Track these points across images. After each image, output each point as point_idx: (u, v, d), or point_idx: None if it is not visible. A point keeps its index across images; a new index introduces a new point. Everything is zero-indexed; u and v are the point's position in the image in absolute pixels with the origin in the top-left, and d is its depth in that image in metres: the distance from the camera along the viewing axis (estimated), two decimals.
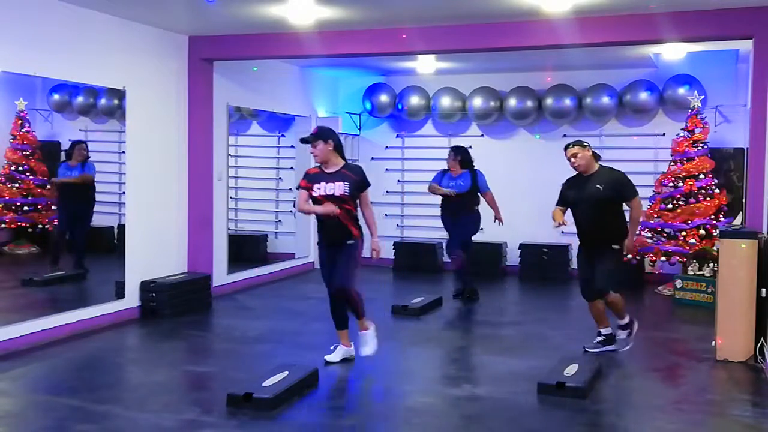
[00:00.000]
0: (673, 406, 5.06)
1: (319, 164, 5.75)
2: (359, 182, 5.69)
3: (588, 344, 6.32)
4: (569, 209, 6.24)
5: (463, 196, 8.25)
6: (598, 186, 6.07)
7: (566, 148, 6.24)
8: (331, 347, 5.93)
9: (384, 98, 10.84)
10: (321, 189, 5.62)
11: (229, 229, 9.13)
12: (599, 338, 6.32)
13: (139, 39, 7.53)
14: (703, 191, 8.65)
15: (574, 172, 6.25)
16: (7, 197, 7.87)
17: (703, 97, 9.17)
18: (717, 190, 8.69)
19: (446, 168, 8.46)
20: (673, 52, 8.81)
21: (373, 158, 11.20)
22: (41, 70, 6.53)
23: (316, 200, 5.67)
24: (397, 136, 11.25)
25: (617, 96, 9.88)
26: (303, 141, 5.81)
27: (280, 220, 11.01)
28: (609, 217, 6.11)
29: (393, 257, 10.84)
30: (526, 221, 10.06)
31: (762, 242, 5.99)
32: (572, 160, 6.16)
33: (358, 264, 5.75)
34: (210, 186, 8.53)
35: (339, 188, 5.60)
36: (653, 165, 9.91)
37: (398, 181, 11.14)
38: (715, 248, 7.77)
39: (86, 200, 8.10)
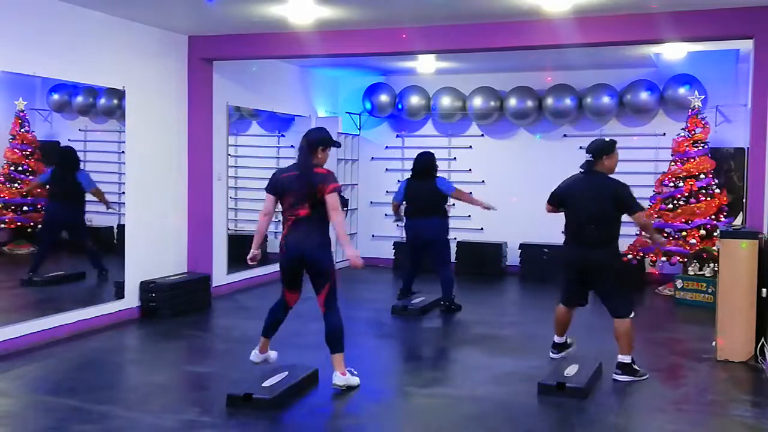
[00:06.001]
0: (674, 407, 5.05)
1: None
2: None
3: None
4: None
5: None
6: None
7: (614, 145, 5.80)
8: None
9: (384, 98, 10.83)
10: None
11: (228, 229, 9.12)
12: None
13: (139, 39, 7.53)
14: (703, 191, 8.64)
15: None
16: (6, 197, 7.87)
17: (703, 96, 9.16)
18: (717, 190, 8.68)
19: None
20: (673, 52, 8.81)
21: (373, 158, 11.20)
22: (41, 70, 6.53)
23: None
24: (397, 136, 11.24)
25: (617, 96, 9.87)
26: (336, 145, 5.41)
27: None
28: None
29: (393, 257, 10.83)
30: (527, 221, 10.05)
31: (762, 242, 5.98)
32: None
33: None
34: (210, 186, 8.53)
35: None
36: (654, 165, 9.90)
37: (398, 180, 11.09)
38: (715, 248, 7.76)
39: None
